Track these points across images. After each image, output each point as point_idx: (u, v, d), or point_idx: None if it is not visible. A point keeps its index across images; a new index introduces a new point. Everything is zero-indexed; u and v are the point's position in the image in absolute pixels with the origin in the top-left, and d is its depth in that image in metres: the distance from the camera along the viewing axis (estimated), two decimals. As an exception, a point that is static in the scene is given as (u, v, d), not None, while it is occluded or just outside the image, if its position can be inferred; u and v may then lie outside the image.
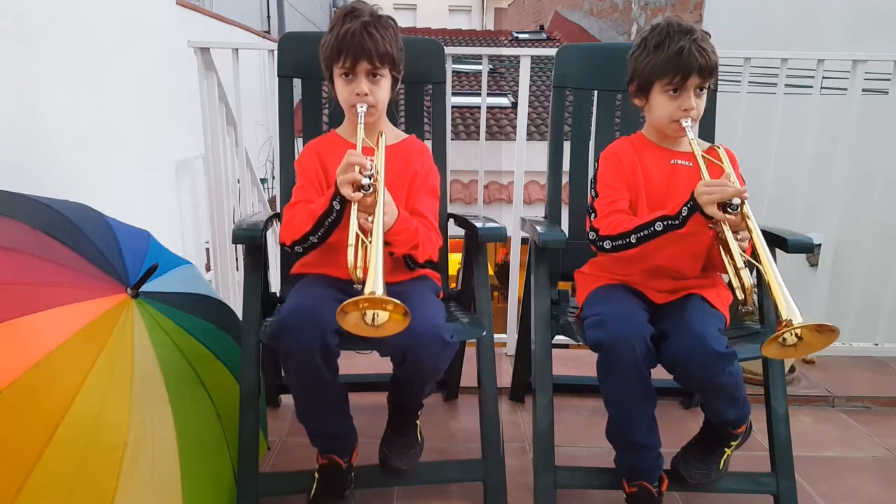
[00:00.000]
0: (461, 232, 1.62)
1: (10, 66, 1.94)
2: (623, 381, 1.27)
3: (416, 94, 1.71)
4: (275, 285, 1.63)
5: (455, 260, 1.72)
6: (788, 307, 1.07)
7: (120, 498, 1.08)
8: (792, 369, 2.10)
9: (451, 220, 1.70)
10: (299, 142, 1.63)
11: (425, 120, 1.73)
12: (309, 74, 1.64)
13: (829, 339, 1.07)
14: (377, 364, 1.50)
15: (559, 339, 1.51)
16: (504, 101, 8.91)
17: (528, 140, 2.22)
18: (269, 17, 8.97)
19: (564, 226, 1.66)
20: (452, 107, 2.11)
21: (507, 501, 1.44)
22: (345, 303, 1.04)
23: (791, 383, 2.06)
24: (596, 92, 1.73)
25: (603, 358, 1.28)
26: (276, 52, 1.70)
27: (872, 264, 2.30)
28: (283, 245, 1.37)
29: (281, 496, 1.40)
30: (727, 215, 1.19)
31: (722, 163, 1.34)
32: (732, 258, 1.21)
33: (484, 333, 1.42)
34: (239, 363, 1.37)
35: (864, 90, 2.15)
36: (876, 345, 2.36)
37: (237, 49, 2.15)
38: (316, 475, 1.35)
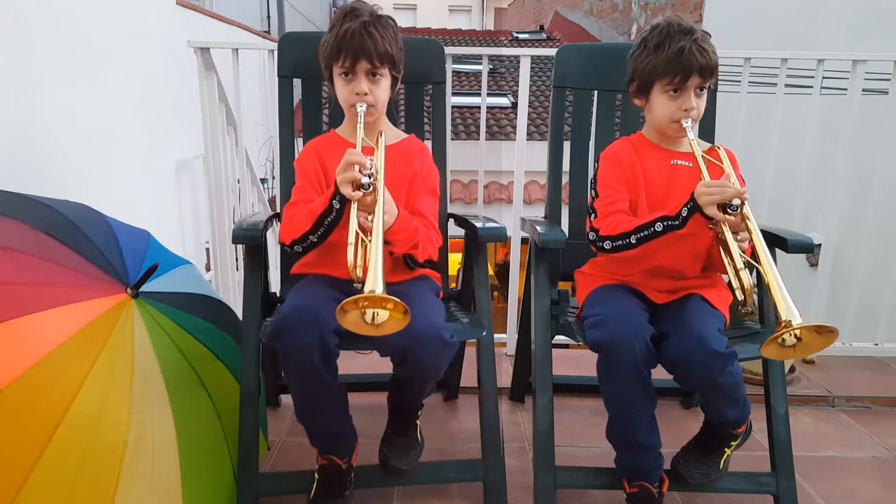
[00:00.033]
0: (461, 232, 1.62)
1: (10, 66, 1.94)
2: (623, 382, 1.27)
3: (416, 94, 1.71)
4: (275, 285, 1.63)
5: (455, 260, 1.72)
6: (788, 308, 1.07)
7: (120, 498, 1.08)
8: (792, 369, 2.10)
9: (451, 220, 1.70)
10: (299, 142, 1.63)
11: (425, 120, 1.73)
12: (309, 74, 1.64)
13: (829, 339, 1.07)
14: (377, 364, 1.50)
15: (559, 339, 1.51)
16: (504, 101, 8.91)
17: (528, 140, 2.22)
18: (269, 17, 8.98)
19: (564, 226, 1.66)
20: (452, 107, 2.11)
21: (507, 501, 1.44)
22: (344, 301, 1.04)
23: (791, 383, 2.06)
24: (596, 92, 1.73)
25: (603, 358, 1.28)
26: (276, 52, 1.70)
27: (872, 264, 2.30)
28: (282, 245, 1.37)
29: (281, 496, 1.40)
30: (727, 216, 1.19)
31: (722, 163, 1.34)
32: (732, 259, 1.21)
33: (484, 333, 1.42)
34: (239, 363, 1.37)
35: (864, 90, 2.15)
36: (876, 345, 2.36)
37: (237, 49, 2.15)
38: (316, 475, 1.35)
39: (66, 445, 1.05)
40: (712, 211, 1.19)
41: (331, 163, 1.38)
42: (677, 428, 1.71)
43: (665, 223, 1.27)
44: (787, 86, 2.17)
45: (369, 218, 1.19)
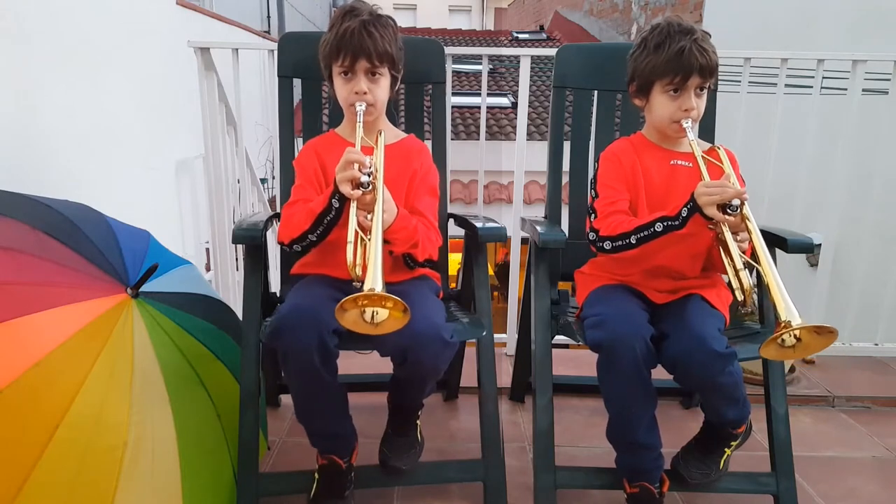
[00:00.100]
0: (461, 232, 1.62)
1: (10, 66, 1.94)
2: (623, 382, 1.27)
3: (416, 94, 1.71)
4: (275, 285, 1.63)
5: (455, 260, 1.72)
6: (787, 308, 1.07)
7: (120, 498, 1.08)
8: (792, 369, 2.10)
9: (451, 220, 1.70)
10: (299, 142, 1.63)
11: (425, 120, 1.73)
12: (309, 74, 1.64)
13: (828, 340, 1.07)
14: (377, 364, 1.50)
15: (559, 339, 1.51)
16: (504, 101, 8.91)
17: (528, 140, 2.22)
18: (269, 17, 8.98)
19: (564, 226, 1.66)
20: (452, 107, 2.11)
21: (507, 501, 1.44)
22: (343, 300, 1.04)
23: (791, 383, 2.06)
24: (596, 92, 1.73)
25: (603, 358, 1.28)
26: (276, 52, 1.70)
27: (872, 264, 2.30)
28: (281, 244, 1.37)
29: (281, 496, 1.40)
30: (727, 216, 1.19)
31: (722, 163, 1.34)
32: (732, 259, 1.21)
33: (484, 333, 1.42)
34: (239, 363, 1.37)
35: (864, 90, 2.15)
36: (876, 345, 2.36)
37: (237, 49, 2.15)
38: (316, 475, 1.35)
39: (66, 445, 1.05)
40: (712, 211, 1.19)
41: (330, 162, 1.38)
42: (677, 428, 1.71)
43: (665, 223, 1.27)
44: (787, 86, 2.17)
45: (369, 217, 1.19)
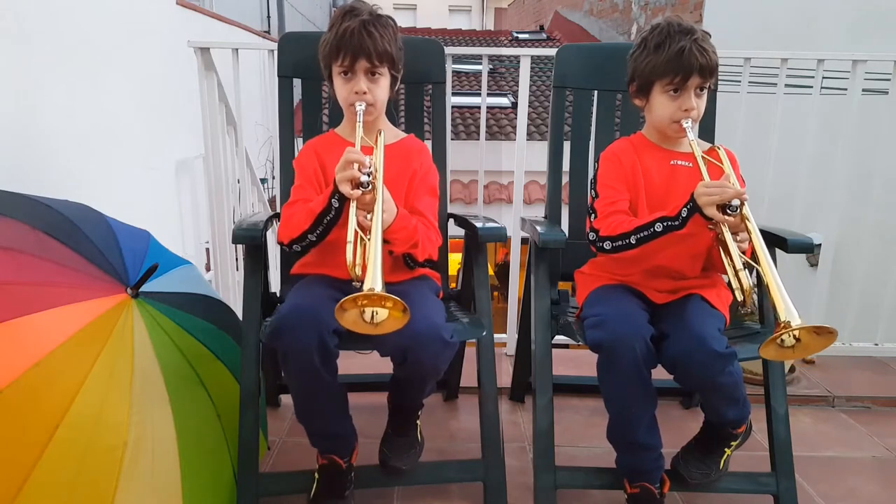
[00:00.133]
0: (461, 232, 1.62)
1: (10, 66, 1.94)
2: (623, 382, 1.27)
3: (416, 94, 1.71)
4: (275, 285, 1.63)
5: (455, 260, 1.72)
6: (787, 309, 1.07)
7: (120, 498, 1.08)
8: (792, 369, 2.10)
9: (451, 220, 1.70)
10: (299, 142, 1.63)
11: (425, 120, 1.73)
12: (309, 74, 1.64)
13: (828, 340, 1.07)
14: (377, 364, 1.50)
15: (559, 339, 1.51)
16: (504, 101, 8.91)
17: (528, 140, 2.22)
18: (269, 17, 8.98)
19: (564, 226, 1.66)
20: (452, 107, 2.11)
21: (507, 501, 1.44)
22: (343, 300, 1.04)
23: (791, 383, 2.06)
24: (596, 92, 1.73)
25: (603, 358, 1.28)
26: (276, 52, 1.70)
27: (872, 264, 2.30)
28: (280, 244, 1.37)
29: (281, 496, 1.40)
30: (726, 217, 1.19)
31: (722, 163, 1.34)
32: (731, 259, 1.21)
33: (484, 333, 1.42)
34: (239, 363, 1.37)
35: (864, 90, 2.15)
36: (876, 345, 2.36)
37: (237, 49, 2.15)
38: (316, 475, 1.35)
39: (66, 445, 1.05)
40: (712, 211, 1.19)
41: (330, 162, 1.38)
42: (677, 428, 1.71)
43: (665, 223, 1.27)
44: (787, 86, 2.17)
45: (368, 216, 1.19)
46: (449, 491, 1.53)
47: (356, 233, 1.17)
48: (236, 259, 2.37)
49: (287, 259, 1.57)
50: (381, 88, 1.39)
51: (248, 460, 1.34)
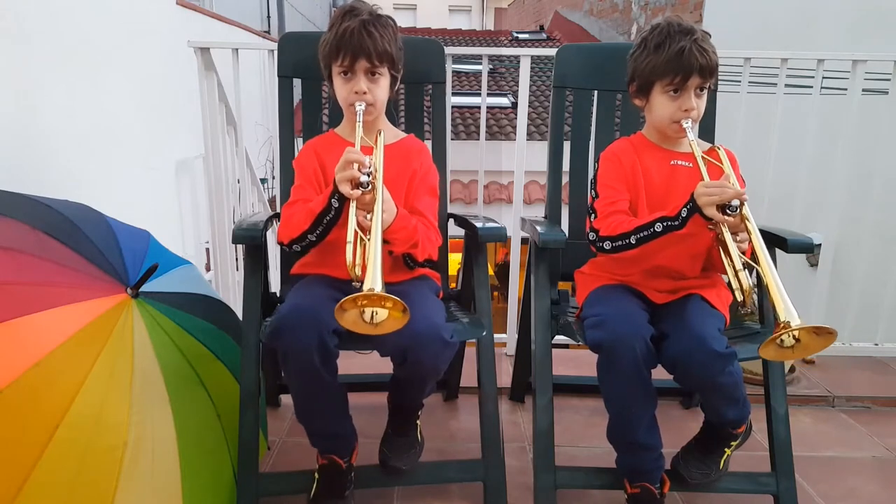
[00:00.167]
0: (461, 232, 1.62)
1: (10, 66, 1.94)
2: (623, 382, 1.27)
3: (416, 94, 1.71)
4: (275, 285, 1.63)
5: (455, 260, 1.72)
6: (786, 309, 1.07)
7: (120, 498, 1.08)
8: (792, 369, 2.10)
9: (451, 220, 1.70)
10: (299, 142, 1.63)
11: (425, 120, 1.73)
12: (309, 74, 1.64)
13: (827, 341, 1.07)
14: (377, 364, 1.50)
15: (559, 339, 1.51)
16: (504, 101, 8.91)
17: (528, 140, 2.22)
18: (269, 17, 8.98)
19: (564, 226, 1.66)
20: (452, 107, 2.11)
21: (507, 501, 1.44)
22: (343, 300, 1.04)
23: (791, 383, 2.06)
24: (596, 92, 1.73)
25: (603, 358, 1.28)
26: (276, 52, 1.70)
27: (872, 264, 2.30)
28: (280, 244, 1.37)
29: (281, 496, 1.40)
30: (726, 217, 1.19)
31: (722, 164, 1.34)
32: (731, 260, 1.21)
33: (484, 333, 1.42)
34: (239, 363, 1.37)
35: (864, 90, 2.15)
36: (876, 345, 2.36)
37: (237, 49, 2.15)
38: (316, 475, 1.35)
39: (66, 445, 1.05)
40: (711, 212, 1.19)
41: (330, 162, 1.38)
42: (677, 428, 1.71)
43: (665, 223, 1.27)
44: (787, 86, 2.17)
45: (368, 217, 1.19)
46: (449, 491, 1.53)
47: (356, 233, 1.17)
48: (236, 259, 2.37)
49: (287, 259, 1.57)
50: (381, 88, 1.39)
51: (248, 460, 1.34)
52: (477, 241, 1.51)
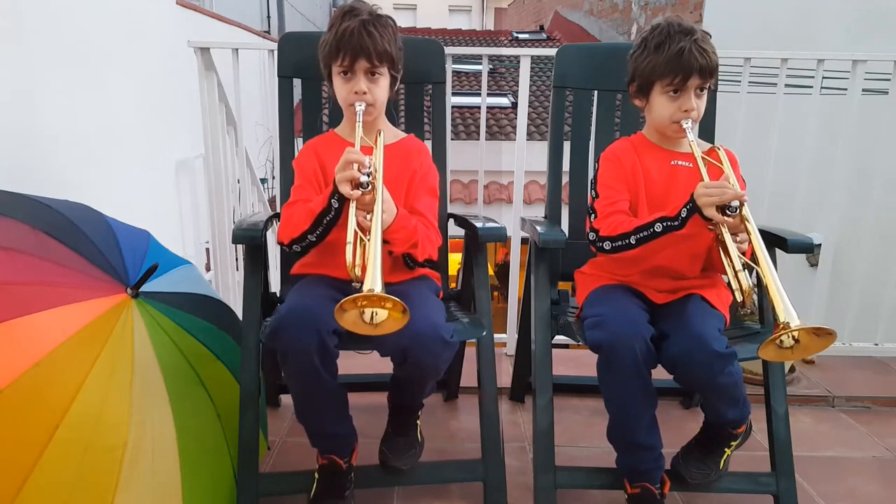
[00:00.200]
0: (461, 232, 1.62)
1: (10, 66, 1.94)
2: (623, 382, 1.27)
3: (416, 94, 1.71)
4: (275, 285, 1.63)
5: (455, 260, 1.72)
6: (786, 310, 1.07)
7: (120, 498, 1.08)
8: (792, 369, 2.10)
9: (451, 220, 1.70)
10: (299, 142, 1.63)
11: (425, 120, 1.73)
12: (309, 74, 1.64)
13: (827, 341, 1.07)
14: (377, 364, 1.50)
15: (559, 339, 1.51)
16: (504, 101, 8.91)
17: (528, 140, 2.22)
18: (269, 17, 8.99)
19: (564, 226, 1.66)
20: (452, 107, 2.11)
21: (507, 501, 1.44)
22: (343, 301, 1.04)
23: (791, 383, 2.06)
24: (596, 92, 1.73)
25: (603, 358, 1.28)
26: (276, 52, 1.70)
27: (872, 264, 2.30)
28: (280, 244, 1.37)
29: (281, 496, 1.40)
30: (726, 218, 1.19)
31: (722, 164, 1.34)
32: (731, 260, 1.21)
33: (484, 333, 1.42)
34: (239, 363, 1.37)
35: (864, 90, 2.15)
36: (876, 345, 2.36)
37: (237, 49, 2.15)
38: (316, 475, 1.35)
39: (66, 445, 1.05)
40: (711, 212, 1.19)
41: (329, 162, 1.38)
42: (677, 428, 1.72)
43: (664, 224, 1.27)
44: (787, 86, 2.17)
45: (368, 217, 1.19)
46: (449, 491, 1.53)
47: (356, 233, 1.17)
48: (236, 259, 2.37)
49: (287, 259, 1.57)
50: (381, 88, 1.39)
51: (248, 460, 1.34)
52: (477, 241, 1.51)
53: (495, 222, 1.51)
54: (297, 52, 1.65)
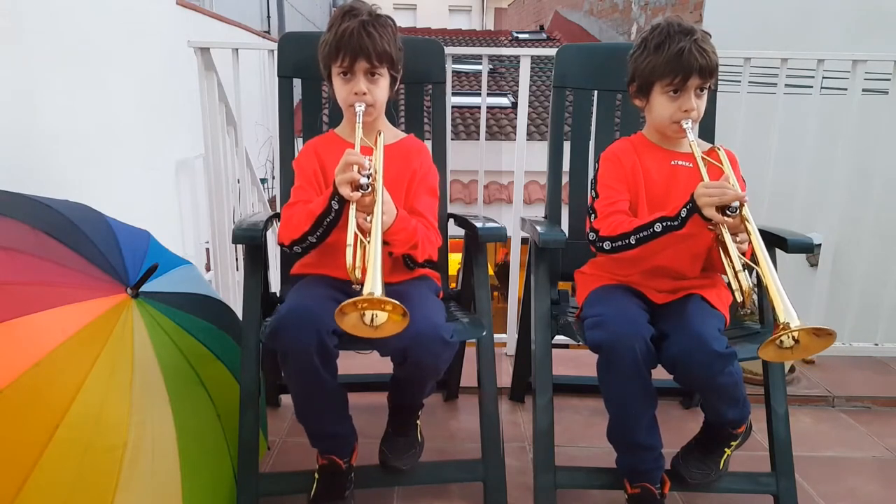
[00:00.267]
0: (461, 232, 1.62)
1: (10, 66, 1.94)
2: (623, 382, 1.27)
3: (416, 94, 1.71)
4: (275, 285, 1.63)
5: (455, 260, 1.72)
6: (786, 310, 1.07)
7: (120, 498, 1.08)
8: (792, 369, 2.10)
9: (451, 220, 1.70)
10: (299, 142, 1.63)
11: (425, 120, 1.73)
12: (309, 74, 1.64)
13: (827, 342, 1.06)
14: (377, 364, 1.50)
15: (559, 339, 1.51)
16: (504, 101, 8.91)
17: (528, 140, 2.22)
18: (269, 17, 8.99)
19: (564, 226, 1.66)
20: (452, 107, 2.11)
21: (507, 501, 1.44)
22: (343, 303, 1.04)
23: (791, 383, 2.06)
24: (596, 92, 1.73)
25: (603, 358, 1.28)
26: (276, 52, 1.70)
27: (872, 264, 2.30)
28: (281, 245, 1.37)
29: (281, 496, 1.40)
30: (726, 218, 1.19)
31: (722, 164, 1.34)
32: (731, 260, 1.21)
33: (484, 333, 1.42)
34: (239, 363, 1.37)
35: (864, 90, 2.15)
36: (876, 345, 2.36)
37: (237, 49, 2.15)
38: (316, 475, 1.35)
39: (66, 445, 1.05)
40: (711, 212, 1.19)
41: (330, 163, 1.38)
42: (677, 428, 1.72)
43: (664, 224, 1.27)
44: (787, 86, 2.17)
45: (368, 219, 1.19)
46: (449, 491, 1.53)
47: (356, 235, 1.17)
48: (236, 259, 2.37)
49: (287, 259, 1.57)
50: (381, 89, 1.39)
51: (248, 460, 1.34)
52: (477, 241, 1.51)
53: (495, 222, 1.51)
54: (297, 52, 1.65)
